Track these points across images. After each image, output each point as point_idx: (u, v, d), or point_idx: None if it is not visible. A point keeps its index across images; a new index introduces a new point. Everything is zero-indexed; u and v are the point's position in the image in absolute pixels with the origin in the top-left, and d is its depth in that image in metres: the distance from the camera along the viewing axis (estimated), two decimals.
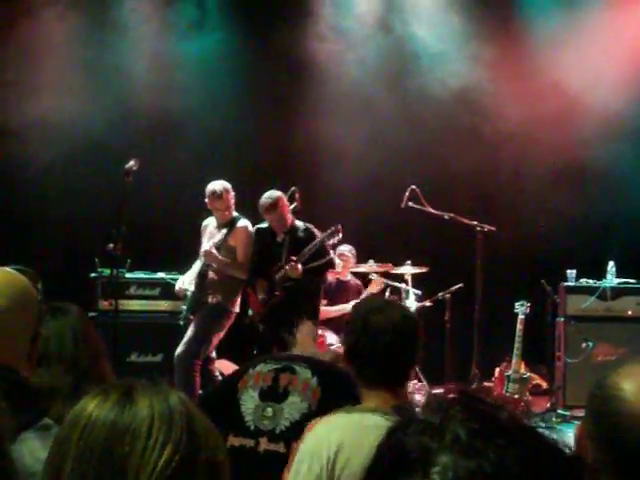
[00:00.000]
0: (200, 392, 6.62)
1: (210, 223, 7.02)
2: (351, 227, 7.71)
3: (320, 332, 6.79)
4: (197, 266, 7.04)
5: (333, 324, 7.30)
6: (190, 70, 8.94)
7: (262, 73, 8.87)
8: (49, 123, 8.48)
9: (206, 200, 6.80)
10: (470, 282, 7.55)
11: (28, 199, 8.52)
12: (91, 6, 8.90)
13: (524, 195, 8.73)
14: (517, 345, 7.25)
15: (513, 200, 8.66)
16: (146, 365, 7.38)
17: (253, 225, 6.93)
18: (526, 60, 8.78)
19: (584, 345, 7.37)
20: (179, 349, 6.75)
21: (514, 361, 7.29)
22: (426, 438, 0.89)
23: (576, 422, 6.09)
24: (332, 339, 7.15)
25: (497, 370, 7.69)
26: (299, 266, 6.62)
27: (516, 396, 7.16)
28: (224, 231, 6.60)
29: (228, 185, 6.82)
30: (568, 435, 5.02)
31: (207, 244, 6.65)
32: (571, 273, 7.68)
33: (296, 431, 2.85)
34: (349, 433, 2.47)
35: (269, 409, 3.08)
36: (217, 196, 6.74)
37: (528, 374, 7.42)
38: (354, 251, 7.79)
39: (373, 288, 7.72)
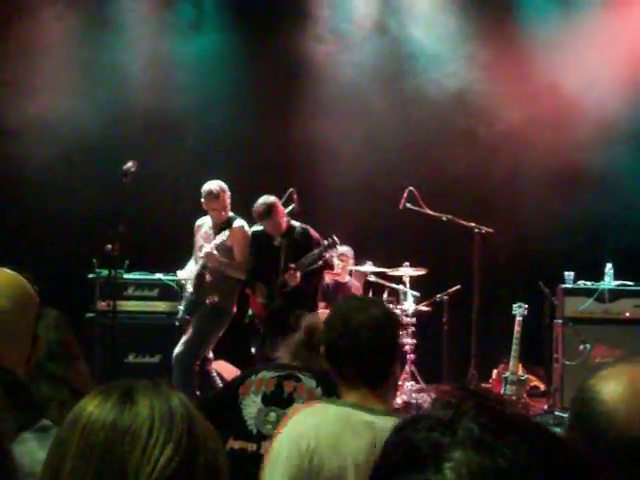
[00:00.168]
0: (198, 393, 6.62)
1: (205, 223, 7.01)
2: (349, 228, 7.72)
3: None
4: (192, 264, 7.04)
5: None
6: (187, 70, 8.94)
7: (259, 74, 8.87)
8: (47, 123, 8.48)
9: (202, 200, 6.80)
10: (468, 284, 7.55)
11: (25, 199, 8.51)
12: (89, 6, 8.90)
13: (521, 197, 8.73)
14: (515, 347, 7.26)
15: (510, 202, 8.67)
16: (144, 366, 7.38)
17: (250, 226, 6.92)
18: (523, 62, 8.79)
19: (582, 347, 7.37)
20: (177, 350, 6.75)
21: (512, 363, 7.29)
22: (437, 434, 0.88)
23: None
24: None
25: (495, 372, 7.70)
26: (298, 275, 6.64)
27: (514, 398, 7.17)
28: (226, 233, 6.59)
29: (224, 185, 6.82)
30: None
31: (208, 246, 6.63)
32: (569, 275, 7.68)
33: None
34: (329, 426, 2.47)
35: (272, 414, 3.07)
36: (214, 196, 6.73)
37: (526, 376, 7.43)
38: (352, 252, 7.80)
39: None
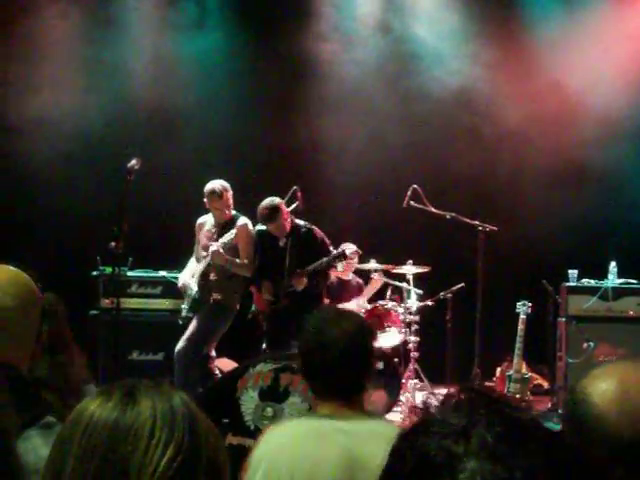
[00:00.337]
0: (200, 390, 6.62)
1: (207, 221, 7.00)
2: (352, 226, 7.71)
3: None
4: (193, 263, 7.03)
5: None
6: (191, 68, 8.95)
7: (263, 72, 8.87)
8: (51, 120, 8.49)
9: (205, 200, 6.79)
10: (472, 282, 7.54)
11: (29, 196, 8.53)
12: (92, 3, 8.90)
13: (525, 195, 8.72)
14: (518, 345, 7.25)
15: (514, 200, 8.66)
16: (147, 363, 7.40)
17: (254, 224, 6.92)
18: (526, 60, 8.77)
19: (585, 345, 7.37)
20: (179, 345, 6.75)
21: (515, 361, 7.29)
22: (449, 442, 0.86)
23: None
24: None
25: (498, 370, 7.70)
26: (304, 279, 6.65)
27: (517, 396, 7.17)
28: (233, 232, 6.58)
29: (227, 184, 6.81)
30: None
31: (215, 244, 6.62)
32: (573, 273, 7.67)
33: None
34: (307, 442, 2.46)
35: (269, 409, 3.09)
36: (217, 196, 6.72)
37: (529, 374, 7.43)
38: (354, 250, 7.79)
39: (373, 286, 7.74)
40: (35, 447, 1.84)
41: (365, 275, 7.90)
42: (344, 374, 2.54)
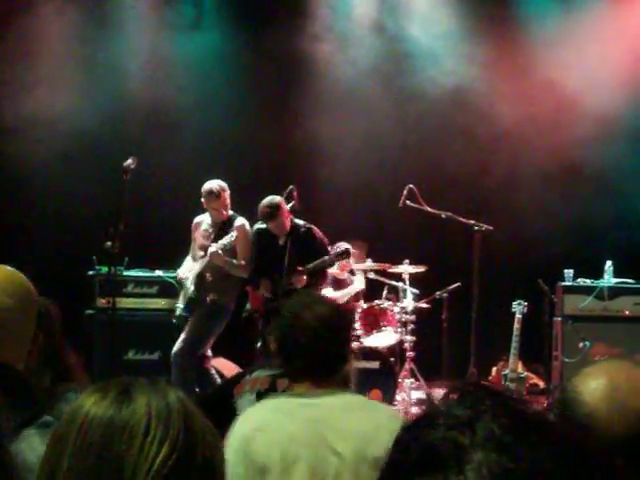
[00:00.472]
0: (197, 390, 6.62)
1: (203, 220, 6.99)
2: (348, 226, 7.72)
3: None
4: (189, 262, 7.03)
5: None
6: (187, 68, 8.94)
7: (258, 72, 8.86)
8: (46, 120, 8.47)
9: (202, 200, 6.78)
10: (467, 281, 7.55)
11: (25, 196, 8.51)
12: (89, 2, 8.89)
13: (521, 194, 8.72)
14: (514, 344, 7.26)
15: (510, 199, 8.65)
16: (143, 363, 7.39)
17: (250, 223, 6.92)
18: (522, 59, 8.77)
19: (581, 345, 7.38)
20: (176, 346, 6.75)
21: (511, 360, 7.30)
22: (455, 433, 0.86)
23: None
24: None
25: (494, 369, 7.71)
26: (304, 277, 6.66)
27: None
28: (234, 234, 6.57)
29: (224, 184, 6.81)
30: None
31: (215, 245, 6.60)
32: (568, 273, 7.69)
33: None
34: (276, 420, 2.50)
35: None
36: (215, 196, 6.71)
37: (525, 373, 7.44)
38: (352, 249, 7.79)
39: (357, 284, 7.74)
40: (34, 446, 1.84)
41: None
42: (317, 356, 2.58)
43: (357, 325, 7.46)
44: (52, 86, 8.61)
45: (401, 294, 7.62)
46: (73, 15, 8.75)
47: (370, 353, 7.20)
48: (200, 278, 6.80)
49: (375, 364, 7.10)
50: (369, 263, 7.73)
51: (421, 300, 7.63)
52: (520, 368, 7.36)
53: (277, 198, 6.75)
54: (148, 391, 1.22)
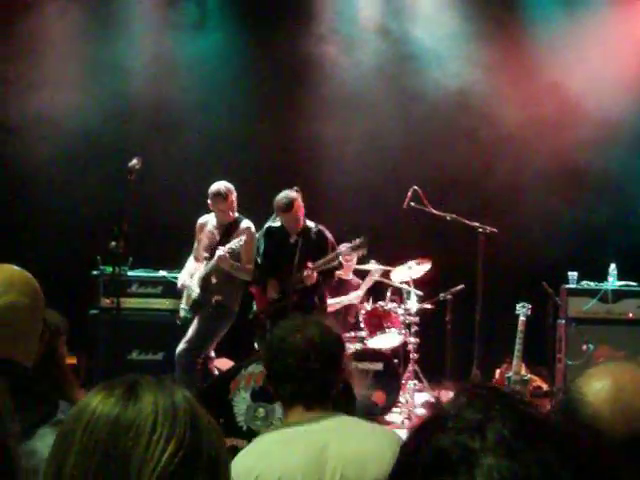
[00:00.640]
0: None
1: (208, 221, 6.95)
2: (352, 227, 7.71)
3: None
4: (191, 262, 7.01)
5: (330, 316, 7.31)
6: (191, 69, 8.95)
7: (262, 73, 8.87)
8: (50, 119, 8.49)
9: (209, 201, 6.75)
10: (471, 283, 7.54)
11: (29, 196, 8.53)
12: (93, 2, 8.91)
13: (525, 197, 8.71)
14: (518, 347, 7.25)
15: (514, 202, 8.65)
16: (147, 363, 7.40)
17: (255, 224, 6.91)
18: (526, 62, 8.77)
19: (585, 347, 7.37)
20: (180, 347, 6.74)
21: (515, 363, 7.29)
22: (465, 437, 0.85)
23: None
24: None
25: (498, 371, 7.69)
26: (315, 275, 6.65)
27: None
28: (243, 238, 6.56)
29: (231, 186, 6.78)
30: None
31: (222, 249, 6.58)
32: (572, 275, 7.68)
33: None
34: (275, 452, 2.46)
35: (261, 409, 3.10)
36: (222, 197, 6.68)
37: (529, 376, 7.43)
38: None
39: (370, 278, 7.73)
40: (48, 445, 1.85)
41: (364, 275, 7.91)
42: (305, 381, 2.53)
43: (361, 326, 7.49)
44: (56, 85, 8.63)
45: (405, 296, 7.63)
46: (77, 15, 8.77)
47: (374, 354, 7.20)
48: (205, 280, 6.79)
49: (379, 365, 7.10)
50: (373, 264, 7.73)
51: (425, 302, 7.63)
52: (524, 370, 7.35)
53: (294, 193, 6.74)
54: (154, 389, 1.23)
